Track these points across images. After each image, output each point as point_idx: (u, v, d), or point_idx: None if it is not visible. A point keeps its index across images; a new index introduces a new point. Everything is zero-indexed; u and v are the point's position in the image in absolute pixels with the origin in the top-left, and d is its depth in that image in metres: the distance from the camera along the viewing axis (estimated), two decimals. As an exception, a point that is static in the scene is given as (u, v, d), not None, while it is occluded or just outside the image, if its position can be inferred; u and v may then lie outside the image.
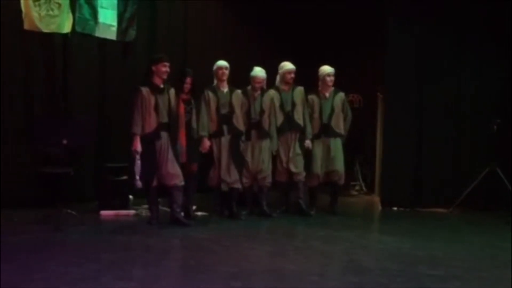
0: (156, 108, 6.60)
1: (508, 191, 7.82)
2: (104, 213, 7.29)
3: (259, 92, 7.49)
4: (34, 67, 7.64)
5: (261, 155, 7.45)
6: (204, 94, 7.25)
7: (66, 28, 7.71)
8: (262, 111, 7.48)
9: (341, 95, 7.91)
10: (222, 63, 7.32)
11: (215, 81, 7.36)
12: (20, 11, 7.22)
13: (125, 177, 7.50)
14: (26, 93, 7.59)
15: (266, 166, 7.48)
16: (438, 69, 8.59)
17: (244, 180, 7.37)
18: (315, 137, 7.78)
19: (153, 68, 6.67)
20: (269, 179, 7.52)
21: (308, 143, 7.68)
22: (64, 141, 6.60)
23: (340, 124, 7.84)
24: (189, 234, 6.32)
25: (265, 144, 7.49)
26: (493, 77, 8.48)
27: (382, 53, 8.92)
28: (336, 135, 7.82)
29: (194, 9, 9.50)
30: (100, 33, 8.18)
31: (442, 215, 8.14)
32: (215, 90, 7.29)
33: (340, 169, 7.82)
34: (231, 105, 7.29)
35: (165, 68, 6.68)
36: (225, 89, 7.33)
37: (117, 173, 7.52)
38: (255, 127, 7.45)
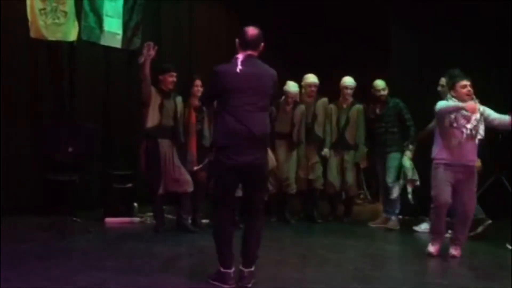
0: (161, 107, 6.65)
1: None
2: (109, 220, 7.29)
3: (291, 105, 7.68)
4: (40, 75, 7.66)
5: (288, 164, 7.71)
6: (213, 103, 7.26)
7: (72, 36, 7.74)
8: (292, 124, 7.71)
9: (358, 107, 7.99)
10: None
11: None
12: (27, 19, 7.26)
13: (130, 185, 7.52)
14: (32, 101, 7.60)
15: (292, 175, 7.73)
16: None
17: (270, 187, 7.47)
18: (332, 147, 7.95)
19: (160, 77, 6.73)
20: (293, 187, 7.74)
21: (325, 151, 7.88)
22: (70, 149, 6.62)
23: (354, 137, 7.95)
24: (194, 241, 6.32)
25: (294, 154, 7.76)
26: (498, 88, 8.46)
27: (387, 61, 8.94)
28: (349, 147, 7.96)
29: (199, 17, 9.55)
30: (105, 41, 8.22)
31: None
32: None
33: (349, 179, 7.98)
34: None
35: (171, 78, 6.75)
36: None
37: (123, 180, 7.53)
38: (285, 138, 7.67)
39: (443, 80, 7.52)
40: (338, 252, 6.17)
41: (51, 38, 7.51)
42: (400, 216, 7.91)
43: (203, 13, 9.63)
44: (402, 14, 8.81)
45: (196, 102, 6.99)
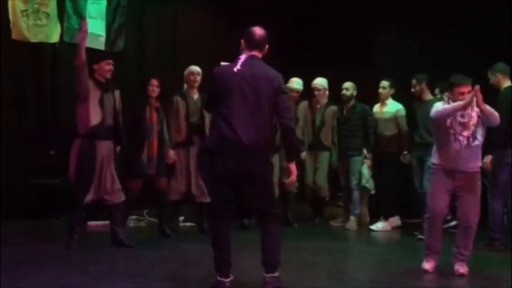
0: (101, 103, 5.89)
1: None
2: (91, 224, 7.23)
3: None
4: (22, 77, 7.60)
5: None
6: (172, 99, 6.93)
7: (54, 38, 7.67)
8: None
9: (332, 108, 8.02)
10: (194, 68, 7.02)
11: (185, 87, 7.10)
12: (8, 20, 7.18)
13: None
14: (14, 103, 7.53)
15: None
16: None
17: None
18: (307, 149, 8.01)
19: (95, 67, 5.96)
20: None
21: (303, 155, 7.91)
22: (52, 152, 6.56)
23: (329, 138, 7.97)
24: (177, 245, 6.30)
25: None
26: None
27: (372, 67, 9.01)
28: (324, 148, 8.03)
29: (183, 19, 9.51)
30: (88, 43, 8.13)
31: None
32: (185, 96, 6.98)
33: (319, 180, 8.01)
34: (201, 113, 6.90)
35: (109, 66, 5.98)
36: (195, 95, 6.98)
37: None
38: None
39: (383, 83, 7.66)
40: (321, 254, 6.17)
41: (33, 39, 7.44)
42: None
43: (187, 15, 9.59)
44: (399, 15, 8.85)
45: (155, 102, 6.65)
